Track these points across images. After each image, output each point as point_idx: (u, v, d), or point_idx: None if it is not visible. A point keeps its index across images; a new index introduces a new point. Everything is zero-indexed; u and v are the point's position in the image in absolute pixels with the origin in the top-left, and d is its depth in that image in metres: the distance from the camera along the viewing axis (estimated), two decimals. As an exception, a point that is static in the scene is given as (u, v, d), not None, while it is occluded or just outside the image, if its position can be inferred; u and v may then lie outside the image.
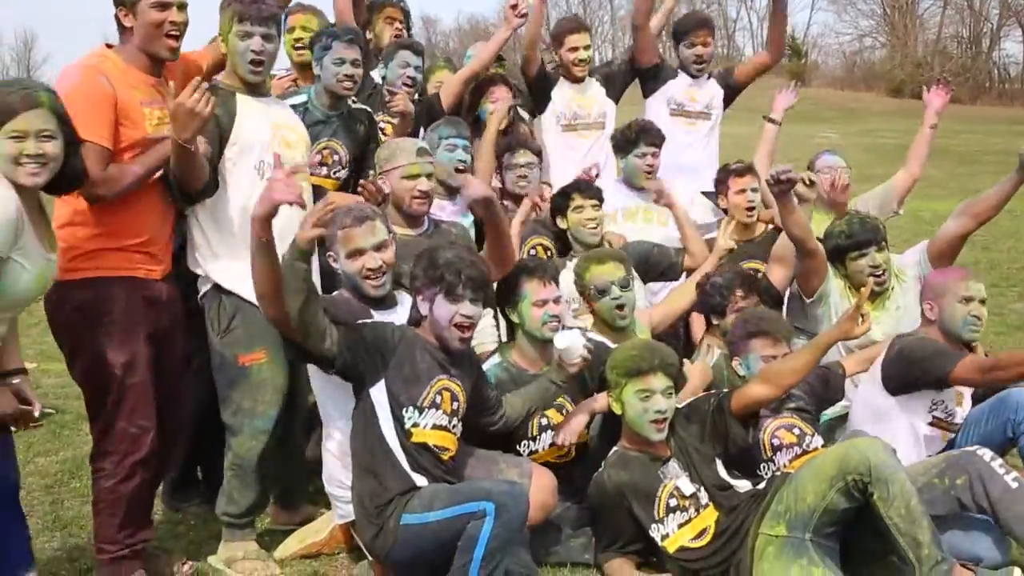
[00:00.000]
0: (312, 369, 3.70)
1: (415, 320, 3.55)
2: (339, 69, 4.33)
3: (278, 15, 3.91)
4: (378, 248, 3.62)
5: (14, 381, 3.14)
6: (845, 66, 36.80)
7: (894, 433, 3.86)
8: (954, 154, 17.49)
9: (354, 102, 4.65)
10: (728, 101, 6.00)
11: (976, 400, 4.10)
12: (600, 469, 3.72)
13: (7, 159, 2.94)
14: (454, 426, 3.52)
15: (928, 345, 3.94)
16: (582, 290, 4.36)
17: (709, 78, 5.91)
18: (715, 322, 4.48)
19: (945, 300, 3.98)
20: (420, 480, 3.38)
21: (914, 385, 3.94)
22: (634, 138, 5.15)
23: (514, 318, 3.97)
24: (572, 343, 3.71)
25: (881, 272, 4.38)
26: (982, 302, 3.97)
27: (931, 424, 3.97)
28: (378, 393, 3.43)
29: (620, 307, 4.25)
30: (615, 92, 5.80)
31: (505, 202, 4.94)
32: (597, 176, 5.01)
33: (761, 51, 6.39)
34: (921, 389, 3.94)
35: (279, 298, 3.23)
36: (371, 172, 4.45)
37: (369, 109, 4.78)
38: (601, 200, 4.76)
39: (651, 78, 5.87)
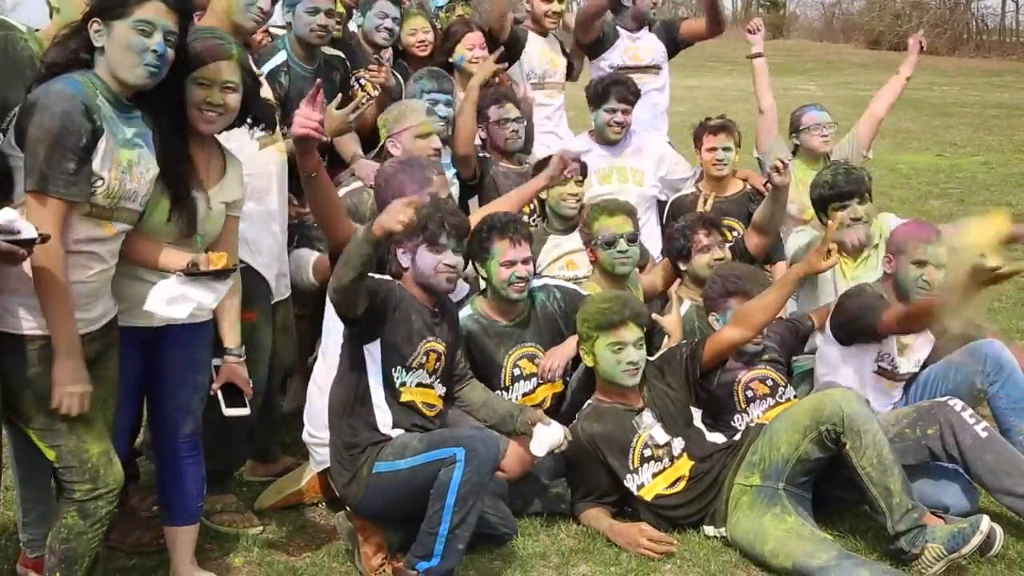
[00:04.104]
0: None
1: (396, 273, 3.54)
2: (312, 19, 4.23)
3: None
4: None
5: (228, 359, 3.23)
6: (824, 18, 36.63)
7: (846, 382, 3.93)
8: (930, 106, 17.45)
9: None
10: (671, 55, 5.90)
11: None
12: (574, 421, 3.75)
13: (188, 103, 3.02)
14: (434, 383, 3.52)
15: (863, 300, 3.94)
16: (587, 239, 4.32)
17: (649, 30, 5.81)
18: (683, 268, 4.50)
19: (901, 258, 3.95)
20: (396, 433, 3.39)
21: (857, 337, 3.97)
22: (603, 92, 5.10)
23: (483, 273, 3.96)
24: (550, 442, 3.50)
25: (862, 224, 4.39)
26: (936, 267, 3.91)
27: (876, 373, 4.02)
28: (373, 349, 3.41)
29: (624, 258, 4.26)
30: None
31: (486, 154, 4.89)
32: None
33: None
34: (865, 342, 3.98)
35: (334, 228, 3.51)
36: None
37: (342, 55, 4.71)
38: (584, 174, 4.70)
39: (594, 48, 5.78)
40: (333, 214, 3.60)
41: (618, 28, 5.76)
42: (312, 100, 3.35)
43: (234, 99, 3.09)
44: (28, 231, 2.51)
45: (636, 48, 5.75)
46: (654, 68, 5.78)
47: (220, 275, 2.91)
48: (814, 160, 5.16)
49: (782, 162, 4.34)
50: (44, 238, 2.54)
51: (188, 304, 2.86)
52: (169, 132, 2.96)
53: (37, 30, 3.26)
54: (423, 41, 5.17)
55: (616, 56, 5.72)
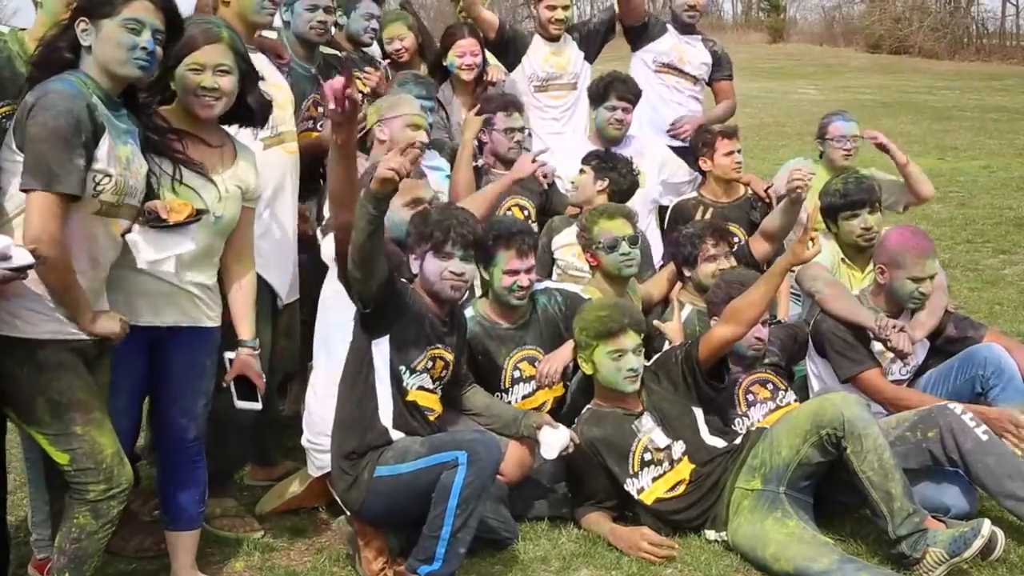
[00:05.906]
0: (322, 304, 3.79)
1: (408, 279, 3.55)
2: (312, 16, 4.25)
3: None
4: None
5: (242, 351, 3.24)
6: (824, 21, 36.60)
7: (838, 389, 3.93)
8: (930, 110, 17.46)
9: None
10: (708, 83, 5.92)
11: (937, 352, 4.15)
12: (574, 425, 3.74)
13: (185, 90, 3.08)
14: (437, 390, 3.53)
15: (840, 337, 3.98)
16: (587, 243, 4.31)
17: (703, 43, 5.80)
18: (687, 274, 4.50)
19: (898, 272, 3.93)
20: (398, 436, 3.38)
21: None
22: (603, 91, 5.10)
23: (486, 276, 3.98)
24: (560, 444, 3.54)
25: (871, 235, 4.37)
26: (931, 278, 3.95)
27: None
28: (380, 346, 3.41)
29: (629, 261, 4.25)
30: (592, 53, 5.66)
31: (484, 162, 4.87)
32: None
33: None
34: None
35: (349, 209, 3.19)
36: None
37: (340, 54, 4.72)
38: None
39: (638, 35, 5.74)
40: (350, 190, 3.28)
41: (667, 24, 5.76)
42: (346, 78, 3.30)
43: (229, 81, 3.10)
44: (22, 258, 2.51)
45: (684, 50, 5.72)
46: (695, 78, 5.76)
47: (185, 224, 2.91)
48: (834, 172, 5.05)
49: (805, 176, 4.35)
50: (38, 260, 2.55)
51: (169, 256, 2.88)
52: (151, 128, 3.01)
53: (23, 29, 3.24)
54: (398, 50, 5.20)
55: (665, 47, 5.69)
